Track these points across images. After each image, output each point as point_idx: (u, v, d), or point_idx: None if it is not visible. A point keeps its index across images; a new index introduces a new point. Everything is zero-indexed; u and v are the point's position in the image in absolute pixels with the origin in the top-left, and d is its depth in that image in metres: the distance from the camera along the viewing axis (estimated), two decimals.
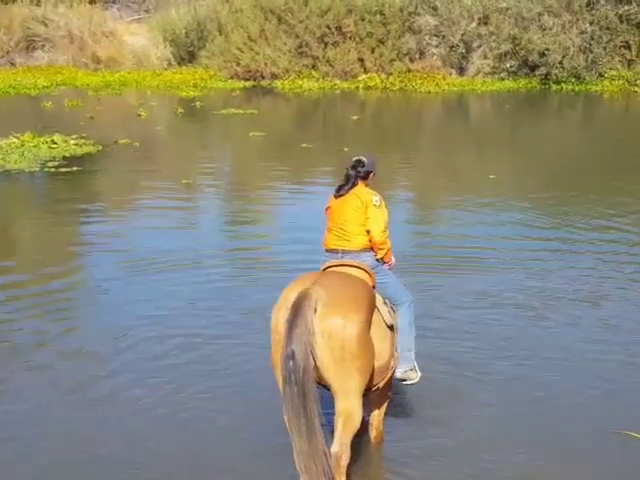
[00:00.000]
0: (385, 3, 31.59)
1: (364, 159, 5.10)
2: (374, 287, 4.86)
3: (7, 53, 37.00)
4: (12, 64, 36.53)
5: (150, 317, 7.38)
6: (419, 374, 5.08)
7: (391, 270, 5.16)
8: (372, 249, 4.96)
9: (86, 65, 35.35)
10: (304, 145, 17.89)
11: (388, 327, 4.79)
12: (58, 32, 36.23)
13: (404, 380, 5.07)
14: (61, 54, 36.19)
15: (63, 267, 9.24)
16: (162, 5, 38.00)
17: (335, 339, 4.17)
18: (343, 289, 4.40)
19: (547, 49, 29.01)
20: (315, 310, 4.16)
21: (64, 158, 16.02)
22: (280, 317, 4.31)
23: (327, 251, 5.02)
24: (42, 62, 36.21)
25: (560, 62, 29.12)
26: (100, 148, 17.31)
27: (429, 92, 29.53)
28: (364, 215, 4.92)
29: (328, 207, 5.11)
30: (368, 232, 4.93)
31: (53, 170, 14.86)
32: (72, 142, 17.58)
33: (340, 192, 5.05)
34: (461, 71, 31.55)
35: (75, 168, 14.97)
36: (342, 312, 4.23)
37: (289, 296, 4.34)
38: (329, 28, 31.95)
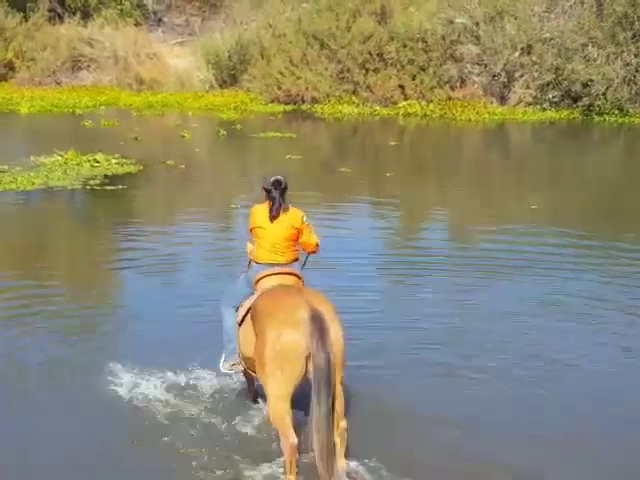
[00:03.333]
0: (427, 31, 31.58)
1: (281, 178, 5.59)
2: None
3: (53, 73, 37.77)
4: (58, 83, 37.29)
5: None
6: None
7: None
8: (297, 260, 5.77)
9: (130, 86, 35.89)
10: (342, 169, 17.84)
11: None
12: (103, 53, 36.93)
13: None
14: (105, 74, 36.84)
15: (100, 282, 9.29)
16: (206, 29, 38.54)
17: (338, 349, 4.95)
18: (329, 308, 5.08)
19: (590, 80, 28.66)
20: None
21: (106, 177, 16.20)
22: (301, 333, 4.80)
23: (260, 264, 5.65)
24: (87, 82, 36.91)
25: (603, 93, 28.73)
26: (142, 168, 17.46)
27: (469, 120, 29.34)
28: (296, 232, 5.64)
29: (259, 227, 5.62)
30: (302, 244, 5.76)
31: (98, 188, 15.04)
32: (114, 161, 17.79)
33: (275, 215, 5.57)
34: (502, 100, 31.32)
35: (120, 186, 15.14)
36: (338, 328, 5.03)
37: (295, 314, 4.86)
38: (370, 54, 32.00)
